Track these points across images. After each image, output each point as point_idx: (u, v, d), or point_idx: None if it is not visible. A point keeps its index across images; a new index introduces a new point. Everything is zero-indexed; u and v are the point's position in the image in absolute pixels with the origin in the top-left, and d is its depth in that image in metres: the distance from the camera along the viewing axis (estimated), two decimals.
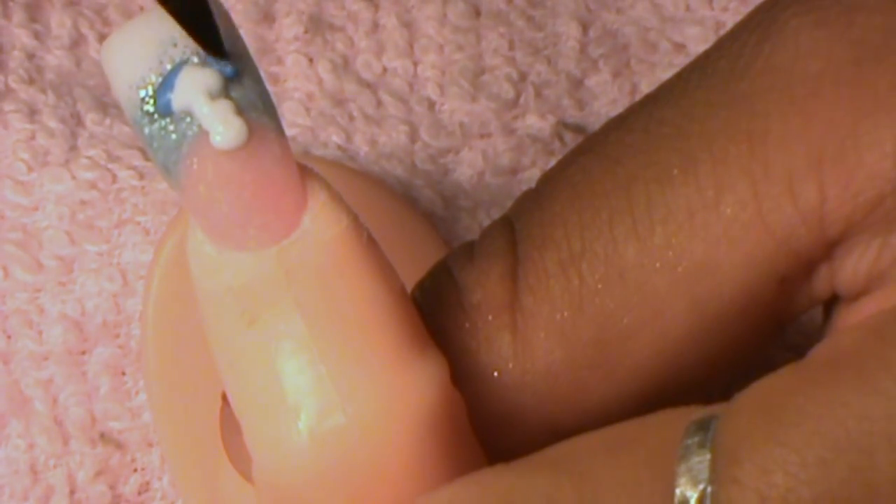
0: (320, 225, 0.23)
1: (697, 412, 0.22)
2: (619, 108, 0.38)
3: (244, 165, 0.23)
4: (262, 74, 0.37)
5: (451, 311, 0.25)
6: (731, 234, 0.24)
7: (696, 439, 0.22)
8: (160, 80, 0.23)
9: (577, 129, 0.38)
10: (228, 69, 0.23)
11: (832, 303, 0.25)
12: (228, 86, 0.23)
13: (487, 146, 0.37)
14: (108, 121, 0.37)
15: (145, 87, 0.23)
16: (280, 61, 0.39)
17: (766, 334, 0.25)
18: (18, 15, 0.38)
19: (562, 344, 0.24)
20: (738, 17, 0.39)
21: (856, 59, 0.23)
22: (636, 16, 0.39)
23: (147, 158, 0.36)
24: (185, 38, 0.23)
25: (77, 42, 0.39)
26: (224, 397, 0.25)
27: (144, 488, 0.34)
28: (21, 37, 0.38)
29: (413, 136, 0.37)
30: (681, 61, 0.38)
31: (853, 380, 0.21)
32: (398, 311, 0.24)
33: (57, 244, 0.36)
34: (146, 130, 0.23)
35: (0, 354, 0.35)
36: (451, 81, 0.38)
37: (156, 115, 0.23)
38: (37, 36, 0.38)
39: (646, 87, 0.38)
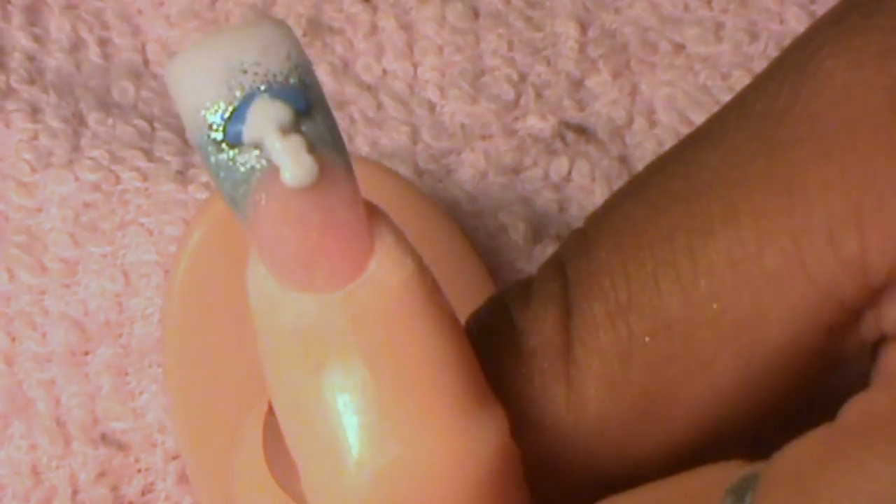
0: (386, 270, 0.23)
1: (735, 473, 0.22)
2: (619, 109, 0.38)
3: (313, 205, 0.22)
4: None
5: (509, 353, 0.25)
6: (774, 287, 0.23)
7: None
8: (229, 107, 0.22)
9: (579, 129, 0.38)
10: (301, 102, 0.22)
11: (880, 343, 0.25)
12: (299, 119, 0.22)
13: (489, 147, 0.37)
14: (110, 120, 0.37)
15: (213, 113, 0.22)
16: None
17: (815, 378, 0.25)
18: (18, 18, 0.38)
19: (612, 395, 0.24)
20: (738, 18, 0.39)
21: (891, 104, 0.23)
22: (635, 16, 0.39)
23: (150, 160, 0.36)
24: (255, 65, 0.22)
25: (77, 46, 0.38)
26: (270, 409, 0.25)
27: (148, 489, 0.34)
28: (21, 39, 0.38)
29: (414, 137, 0.37)
30: (681, 62, 0.39)
31: (885, 451, 0.21)
32: (461, 361, 0.23)
33: (61, 246, 0.35)
34: (212, 159, 0.22)
35: (4, 356, 0.35)
36: (451, 83, 0.38)
37: (224, 145, 0.22)
38: (36, 39, 0.38)
39: (646, 87, 0.38)
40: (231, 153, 0.22)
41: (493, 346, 0.25)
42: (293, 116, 0.22)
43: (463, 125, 0.38)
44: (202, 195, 0.35)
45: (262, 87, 0.22)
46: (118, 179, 0.36)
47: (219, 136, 0.22)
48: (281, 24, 0.23)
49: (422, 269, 0.23)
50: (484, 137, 0.38)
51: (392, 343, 0.23)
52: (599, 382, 0.24)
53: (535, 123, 0.38)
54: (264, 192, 0.22)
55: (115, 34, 0.39)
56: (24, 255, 0.35)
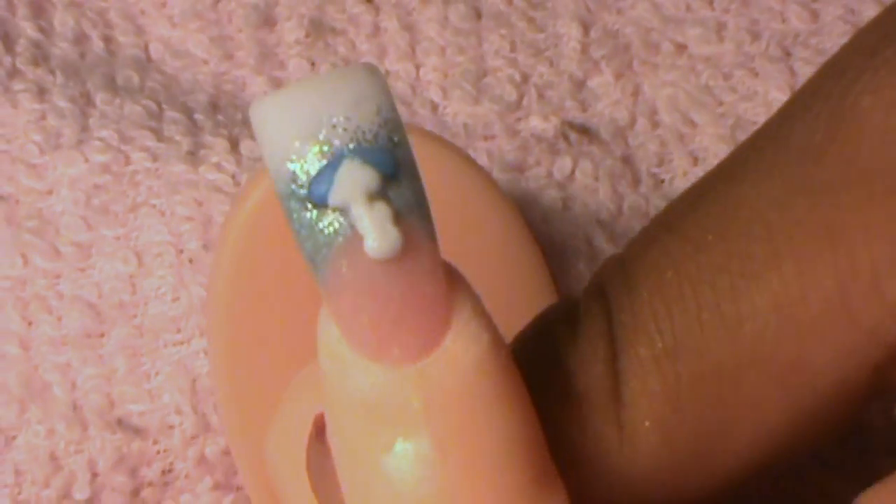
0: (461, 345, 0.22)
1: None
2: (622, 110, 0.38)
3: (395, 277, 0.22)
4: (266, 80, 0.38)
5: (559, 393, 0.25)
6: (820, 331, 0.23)
7: None
8: (316, 164, 0.22)
9: (582, 129, 0.38)
10: (389, 166, 0.22)
11: None
12: (387, 184, 0.22)
13: (492, 147, 0.37)
14: (118, 100, 0.37)
15: (300, 168, 0.22)
16: (282, 66, 0.38)
17: (863, 408, 0.25)
18: (22, 11, 0.38)
19: (664, 439, 0.24)
20: (740, 18, 0.39)
21: None
22: (637, 16, 0.39)
23: (160, 139, 0.36)
24: (345, 120, 0.22)
25: (80, 40, 0.39)
26: (315, 431, 0.24)
27: (168, 469, 0.34)
28: (26, 29, 0.38)
29: None
30: (683, 62, 0.39)
31: None
32: (530, 444, 0.23)
33: (73, 230, 0.35)
34: (294, 215, 0.22)
35: (20, 340, 0.35)
36: (454, 84, 0.38)
37: (308, 204, 0.22)
38: (41, 30, 0.38)
39: (648, 87, 0.38)
40: (314, 213, 0.22)
41: (543, 384, 0.24)
42: (380, 182, 0.22)
43: (466, 126, 0.38)
44: (213, 176, 0.35)
45: (351, 146, 0.22)
46: (128, 160, 0.36)
47: (303, 192, 0.22)
48: (373, 73, 0.22)
49: (496, 341, 0.23)
50: (487, 138, 0.38)
51: (463, 427, 0.22)
52: (651, 427, 0.24)
53: (538, 124, 0.38)
54: (345, 259, 0.22)
55: (118, 33, 0.39)
56: (38, 239, 0.35)
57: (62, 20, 0.39)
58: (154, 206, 0.35)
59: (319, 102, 0.22)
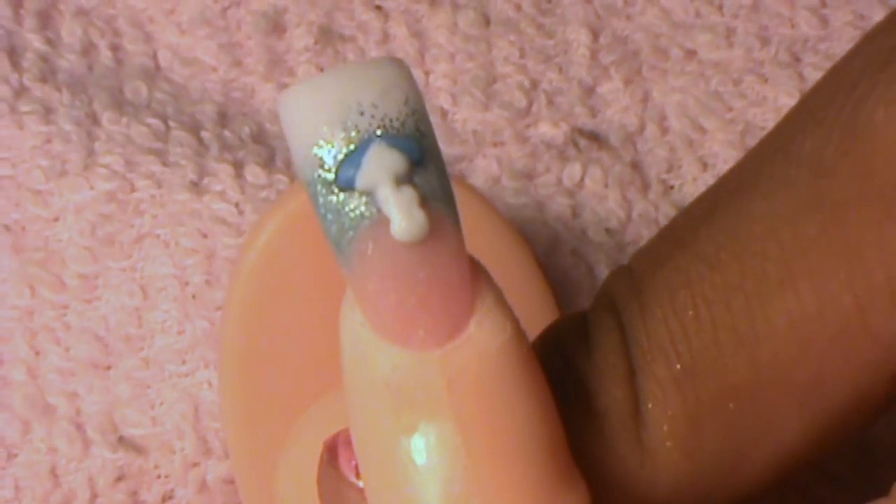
0: (485, 332, 0.22)
1: None
2: (631, 116, 0.38)
3: (420, 260, 0.22)
4: (275, 87, 0.38)
5: (578, 410, 0.24)
6: (837, 348, 0.23)
7: None
8: (343, 149, 0.22)
9: (592, 135, 0.38)
10: (416, 152, 0.22)
11: None
12: (413, 170, 0.22)
13: (501, 154, 0.37)
14: (124, 119, 0.37)
15: (326, 152, 0.22)
16: (291, 72, 0.38)
17: (880, 415, 0.25)
18: (29, 22, 0.38)
19: (685, 458, 0.24)
20: (749, 24, 0.39)
21: None
22: (646, 22, 0.39)
23: (165, 164, 0.36)
24: (372, 108, 0.22)
25: (88, 50, 0.39)
26: (327, 455, 0.24)
27: (168, 496, 0.34)
28: (33, 42, 0.38)
29: None
30: (693, 68, 0.38)
31: None
32: (552, 433, 0.23)
33: (80, 262, 0.35)
34: (321, 199, 0.22)
35: (28, 369, 0.35)
36: (463, 90, 0.38)
37: (335, 187, 0.22)
38: (48, 42, 0.38)
39: (658, 94, 0.38)
40: (341, 196, 0.22)
41: (559, 398, 0.24)
42: (408, 167, 0.22)
43: (475, 132, 0.38)
44: (217, 206, 0.35)
45: (379, 133, 0.22)
46: (133, 187, 0.36)
47: (330, 176, 0.22)
48: (401, 66, 0.22)
49: (519, 332, 0.23)
50: (496, 144, 0.38)
51: (486, 412, 0.23)
52: (672, 447, 0.24)
53: (548, 130, 0.38)
54: (371, 241, 0.22)
55: (126, 41, 0.39)
56: (44, 271, 0.35)
57: (70, 30, 0.39)
58: (158, 236, 0.35)
59: (348, 90, 0.22)
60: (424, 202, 0.22)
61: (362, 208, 0.22)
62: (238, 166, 0.36)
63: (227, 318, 0.32)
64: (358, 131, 0.22)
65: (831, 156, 0.23)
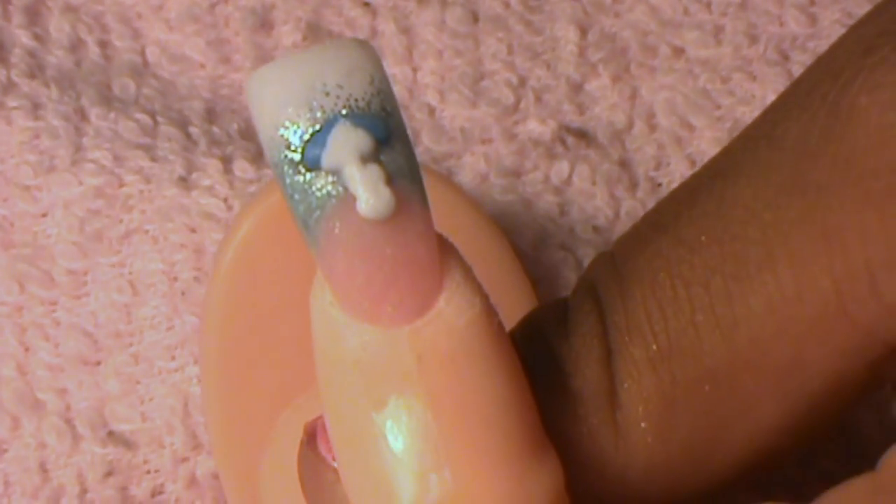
0: (454, 308, 0.23)
1: None
2: (619, 113, 0.38)
3: (387, 238, 0.22)
4: None
5: (554, 392, 0.25)
6: (816, 332, 0.23)
7: None
8: (309, 129, 0.22)
9: (580, 133, 0.38)
10: (381, 131, 0.22)
11: None
12: (379, 148, 0.22)
13: (489, 151, 0.37)
14: (112, 115, 0.37)
15: (293, 133, 0.22)
16: None
17: (856, 402, 0.25)
18: (18, 18, 0.38)
19: (659, 440, 0.24)
20: (737, 21, 0.39)
21: None
22: (634, 19, 0.39)
23: (153, 159, 0.36)
24: (337, 88, 0.22)
25: (76, 46, 0.38)
26: (306, 438, 0.25)
27: (158, 490, 0.34)
28: (21, 37, 0.38)
29: (414, 141, 0.37)
30: (681, 66, 0.38)
31: None
32: (522, 407, 0.23)
33: (68, 258, 0.35)
34: (287, 180, 0.22)
35: (18, 365, 0.35)
36: (451, 87, 0.38)
37: (301, 167, 0.22)
38: (36, 37, 0.38)
39: (646, 91, 0.38)
40: (308, 176, 0.22)
41: (536, 380, 0.24)
42: (373, 145, 0.22)
43: (463, 129, 0.38)
44: (206, 200, 0.35)
45: (344, 112, 0.22)
46: (121, 182, 0.36)
47: (296, 156, 0.22)
48: (366, 47, 0.23)
49: (488, 308, 0.23)
50: (484, 141, 0.38)
51: (456, 385, 0.23)
52: (646, 428, 0.24)
53: (535, 127, 0.38)
54: (338, 219, 0.22)
55: (114, 37, 0.39)
56: (33, 268, 0.35)
57: (58, 26, 0.38)
58: (147, 231, 0.35)
59: (313, 71, 0.22)
60: (391, 180, 0.22)
61: (329, 188, 0.22)
62: (226, 161, 0.36)
63: (207, 313, 0.32)
64: (323, 111, 0.22)
65: (815, 140, 0.23)
